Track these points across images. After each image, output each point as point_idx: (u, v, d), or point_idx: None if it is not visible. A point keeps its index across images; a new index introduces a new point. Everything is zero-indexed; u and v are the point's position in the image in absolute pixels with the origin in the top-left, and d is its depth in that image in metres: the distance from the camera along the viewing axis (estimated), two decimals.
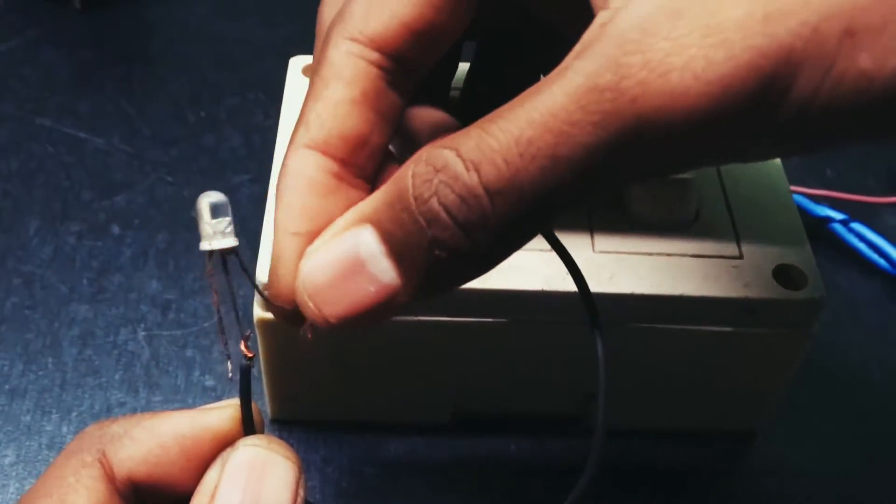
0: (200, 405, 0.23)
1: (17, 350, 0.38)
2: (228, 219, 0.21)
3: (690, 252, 0.32)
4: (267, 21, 0.53)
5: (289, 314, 0.22)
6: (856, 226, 0.43)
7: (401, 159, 0.23)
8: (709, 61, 0.17)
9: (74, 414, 0.36)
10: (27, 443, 0.35)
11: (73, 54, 0.51)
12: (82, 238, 0.42)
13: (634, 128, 0.17)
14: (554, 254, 0.24)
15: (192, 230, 0.42)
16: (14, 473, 0.34)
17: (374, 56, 0.22)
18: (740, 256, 0.32)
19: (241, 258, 0.22)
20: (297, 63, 0.37)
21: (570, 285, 0.24)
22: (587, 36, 0.18)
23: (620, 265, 0.31)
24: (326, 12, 0.24)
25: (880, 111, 0.17)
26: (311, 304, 0.21)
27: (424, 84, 0.24)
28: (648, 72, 0.17)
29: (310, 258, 0.21)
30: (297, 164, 0.22)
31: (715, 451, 0.36)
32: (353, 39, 0.22)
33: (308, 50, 0.26)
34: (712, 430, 0.36)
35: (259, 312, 0.31)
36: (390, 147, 0.24)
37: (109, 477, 0.21)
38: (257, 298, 0.32)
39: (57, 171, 0.45)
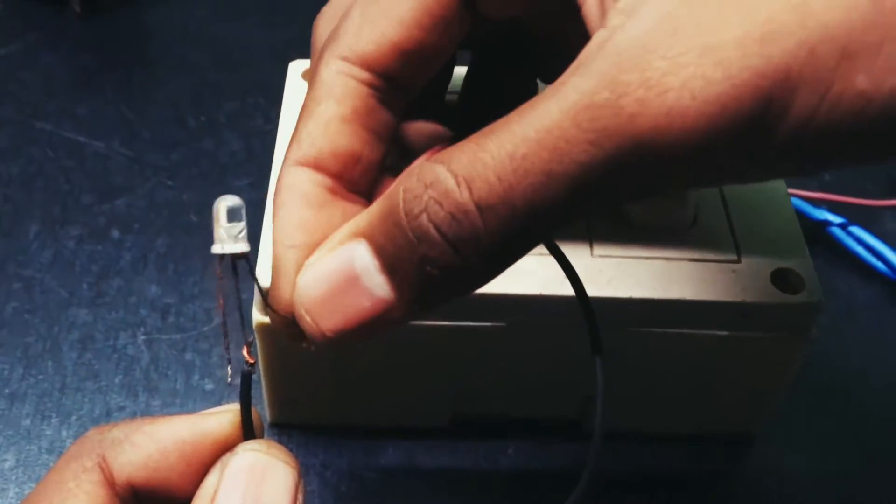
0: (200, 409, 0.23)
1: (16, 354, 0.38)
2: (243, 224, 0.21)
3: (688, 256, 0.32)
4: (267, 24, 0.53)
5: (291, 329, 0.22)
6: (854, 229, 0.43)
7: (396, 172, 0.23)
8: (706, 81, 0.17)
9: (74, 418, 0.36)
10: (27, 447, 0.35)
11: (72, 58, 0.51)
12: (82, 242, 0.42)
13: (631, 146, 0.17)
14: (552, 258, 0.24)
15: (192, 234, 0.42)
16: (14, 477, 0.34)
17: (365, 75, 0.23)
18: (738, 261, 0.32)
19: (251, 264, 0.22)
20: (297, 67, 0.37)
21: (568, 289, 0.24)
22: (584, 53, 0.18)
23: (619, 269, 0.31)
24: (321, 30, 0.25)
25: (878, 132, 0.17)
26: (308, 318, 0.21)
27: (419, 95, 0.24)
28: (646, 90, 0.17)
29: (306, 272, 0.21)
30: (291, 180, 0.22)
31: (714, 455, 0.36)
32: (344, 59, 0.22)
33: (308, 54, 0.26)
34: (711, 433, 0.36)
35: (258, 317, 0.31)
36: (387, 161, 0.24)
37: (109, 482, 0.21)
38: (257, 302, 0.32)
39: (57, 175, 0.45)
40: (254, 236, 0.31)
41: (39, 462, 0.35)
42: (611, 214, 0.33)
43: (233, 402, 0.23)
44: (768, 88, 0.17)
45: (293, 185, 0.22)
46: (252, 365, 0.22)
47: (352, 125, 0.23)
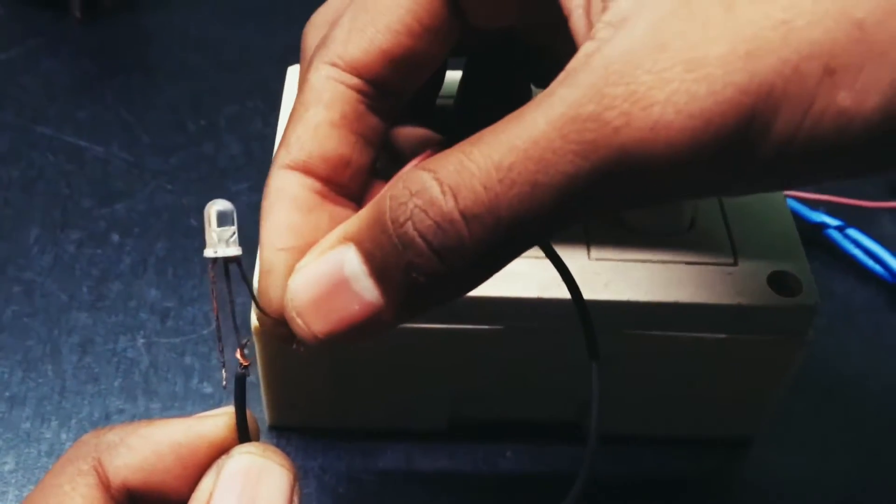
0: (199, 412, 0.23)
1: (16, 357, 0.38)
2: (234, 228, 0.21)
3: (685, 259, 0.32)
4: (266, 29, 0.53)
5: (281, 330, 0.22)
6: (851, 232, 0.43)
7: (387, 177, 0.23)
8: (691, 96, 0.17)
9: (74, 421, 0.36)
10: (26, 450, 0.35)
11: (73, 63, 0.51)
12: (82, 246, 0.42)
13: (616, 159, 0.18)
14: (549, 261, 0.24)
15: (192, 238, 0.43)
16: (13, 480, 0.34)
17: (354, 81, 0.23)
18: (735, 263, 0.32)
19: (243, 267, 0.22)
20: (295, 71, 0.37)
21: (565, 292, 0.24)
22: (572, 64, 0.18)
23: (616, 272, 0.31)
24: (310, 38, 0.25)
25: (860, 149, 0.17)
26: (299, 321, 0.21)
27: (411, 100, 0.24)
28: (631, 104, 0.17)
29: (297, 275, 0.21)
30: (280, 184, 0.23)
31: (711, 458, 0.36)
32: (333, 64, 0.23)
33: None
34: (708, 436, 0.36)
35: (257, 321, 0.32)
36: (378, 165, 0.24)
37: (105, 484, 0.21)
38: (255, 306, 0.32)
39: (57, 179, 0.45)
40: (252, 240, 0.32)
41: (39, 465, 0.35)
42: (607, 218, 0.33)
43: (230, 405, 0.23)
44: (751, 105, 0.17)
45: (282, 188, 0.23)
46: (246, 367, 0.22)
47: (340, 130, 0.23)
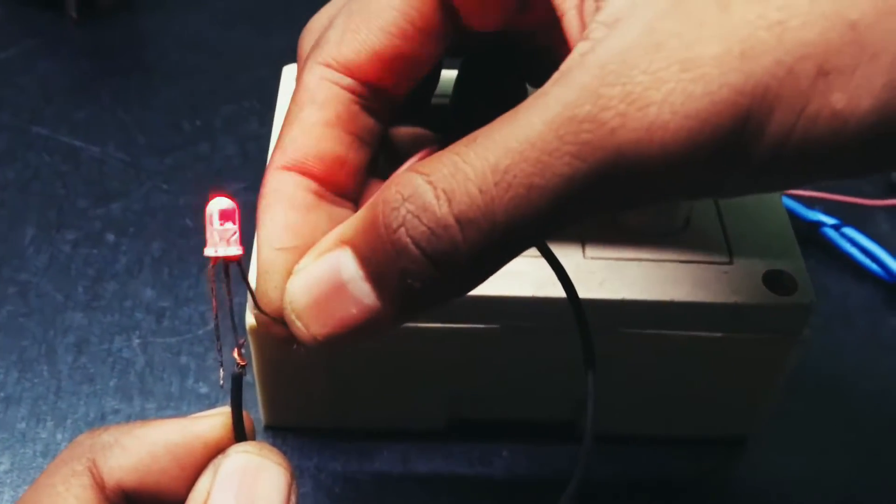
0: (194, 412, 0.23)
1: (12, 358, 0.38)
2: (235, 227, 0.21)
3: (681, 258, 0.32)
4: (262, 30, 0.53)
5: (279, 330, 0.22)
6: (847, 230, 0.43)
7: (386, 177, 0.23)
8: (686, 96, 0.17)
9: (69, 421, 0.36)
10: (22, 450, 0.35)
11: (69, 64, 0.51)
12: (78, 246, 0.42)
13: (612, 160, 0.18)
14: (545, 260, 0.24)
15: (188, 238, 0.42)
16: (8, 481, 0.34)
17: (347, 81, 0.23)
18: (730, 262, 0.32)
19: (243, 267, 0.22)
20: (291, 71, 0.37)
21: (561, 291, 0.24)
22: (566, 64, 0.18)
23: (611, 271, 0.31)
24: (306, 43, 0.25)
25: (854, 150, 0.17)
26: (298, 323, 0.21)
27: (407, 99, 0.24)
28: (628, 105, 0.17)
29: (296, 277, 0.21)
30: (277, 184, 0.23)
31: (707, 458, 0.36)
32: (327, 65, 0.23)
33: None
34: (704, 436, 0.36)
35: (252, 320, 0.32)
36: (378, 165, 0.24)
37: (99, 485, 0.21)
38: (251, 306, 0.32)
39: (53, 179, 0.45)
40: (249, 239, 0.32)
41: (34, 465, 0.35)
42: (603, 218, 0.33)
43: (227, 405, 0.23)
44: (747, 105, 0.17)
45: (279, 188, 0.23)
46: (243, 367, 0.22)
47: (335, 130, 0.23)
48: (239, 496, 0.21)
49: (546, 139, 0.18)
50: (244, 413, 0.23)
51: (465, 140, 0.19)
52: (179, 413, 0.36)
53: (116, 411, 0.36)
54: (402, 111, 0.25)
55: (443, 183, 0.18)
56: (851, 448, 0.37)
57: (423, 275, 0.19)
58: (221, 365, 0.23)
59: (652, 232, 0.32)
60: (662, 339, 0.32)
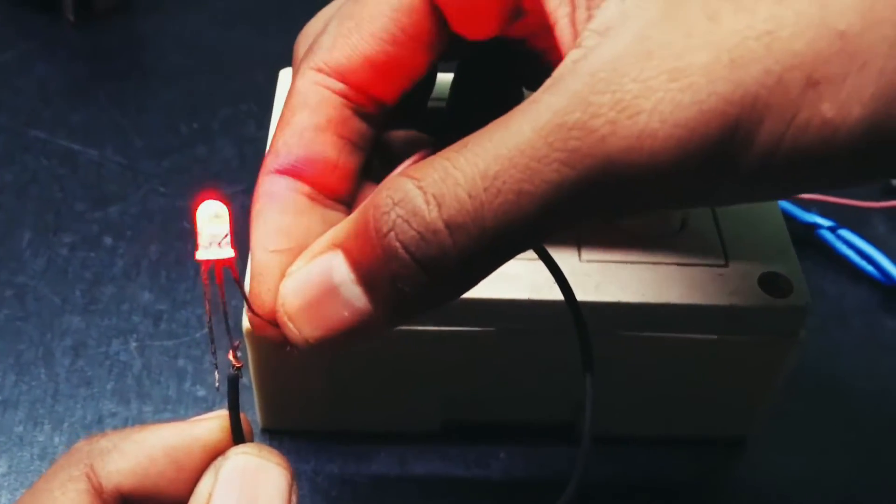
0: (192, 415, 0.23)
1: (9, 361, 0.38)
2: (227, 230, 0.21)
3: (676, 260, 0.32)
4: (259, 33, 0.53)
5: (273, 333, 0.22)
6: (844, 232, 0.43)
7: (379, 180, 0.23)
8: (676, 105, 0.17)
9: (66, 425, 0.36)
10: (19, 453, 0.35)
11: (66, 67, 0.51)
12: (75, 249, 0.42)
13: (602, 167, 0.18)
14: (541, 262, 0.24)
15: (185, 241, 0.43)
16: (6, 484, 0.34)
17: (339, 86, 0.23)
18: (726, 265, 0.32)
19: (236, 270, 0.22)
20: (287, 75, 0.37)
21: (557, 294, 0.24)
22: (558, 71, 0.18)
23: (607, 274, 0.31)
24: (301, 49, 0.25)
25: (843, 160, 0.17)
26: (290, 326, 0.21)
27: (402, 103, 0.24)
28: (618, 112, 0.17)
29: (288, 280, 0.22)
30: (270, 188, 0.23)
31: (705, 459, 0.37)
32: (319, 70, 0.23)
33: None
34: (702, 437, 0.37)
35: (249, 323, 0.32)
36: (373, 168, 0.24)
37: (97, 490, 0.21)
38: (246, 308, 0.32)
39: (50, 182, 0.45)
40: (246, 242, 0.32)
41: (31, 469, 0.35)
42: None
43: (225, 407, 0.23)
44: (735, 114, 0.17)
45: (272, 192, 0.23)
46: (239, 369, 0.22)
47: (326, 134, 0.23)
48: (240, 497, 0.21)
49: (536, 146, 0.18)
50: (242, 415, 0.23)
51: (456, 145, 0.19)
52: (177, 416, 0.36)
53: (114, 414, 0.36)
54: (398, 115, 0.25)
55: (433, 188, 0.19)
56: (850, 448, 0.37)
57: (413, 279, 0.19)
58: (217, 368, 0.23)
59: (648, 235, 0.32)
60: (658, 341, 0.32)
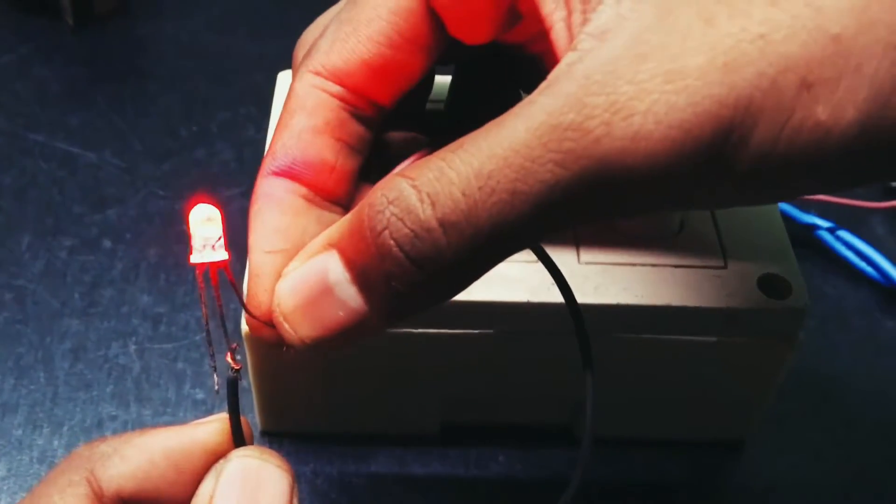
0: (191, 418, 0.23)
1: (8, 364, 0.38)
2: (220, 232, 0.21)
3: (675, 262, 0.32)
4: (257, 36, 0.53)
5: (269, 333, 0.22)
6: (843, 233, 0.43)
7: (375, 182, 0.23)
8: (670, 107, 0.17)
9: (66, 428, 0.36)
10: (18, 457, 0.35)
11: (65, 70, 0.51)
12: (74, 252, 0.42)
13: (596, 168, 0.18)
14: (539, 265, 0.24)
15: (184, 244, 0.42)
16: (5, 487, 0.34)
17: (336, 89, 0.23)
18: (724, 266, 0.32)
19: (231, 272, 0.22)
20: (286, 77, 0.37)
21: (555, 296, 0.24)
22: (554, 74, 0.19)
23: (605, 276, 0.31)
24: (300, 51, 0.25)
25: (838, 162, 0.18)
26: (286, 326, 0.21)
27: (400, 105, 0.24)
28: (612, 114, 0.17)
29: (284, 280, 0.22)
30: (267, 189, 0.23)
31: (704, 460, 0.37)
32: (316, 73, 0.23)
33: None
34: (701, 439, 0.37)
35: (246, 324, 0.32)
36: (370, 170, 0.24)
37: (97, 495, 0.21)
38: (244, 310, 0.32)
39: (49, 185, 0.45)
40: (245, 245, 0.32)
41: (31, 472, 0.35)
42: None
43: (224, 409, 0.23)
44: (729, 116, 0.17)
45: (269, 193, 0.23)
46: (237, 371, 0.22)
47: (323, 136, 0.23)
48: (242, 500, 0.21)
49: (530, 146, 0.18)
50: (242, 418, 0.23)
51: (451, 146, 0.19)
52: (176, 419, 0.36)
53: (113, 418, 0.36)
54: (397, 116, 0.25)
55: (427, 187, 0.19)
56: (849, 449, 0.37)
57: (408, 278, 0.19)
58: (215, 371, 0.23)
59: (646, 236, 0.32)
60: (657, 343, 0.32)
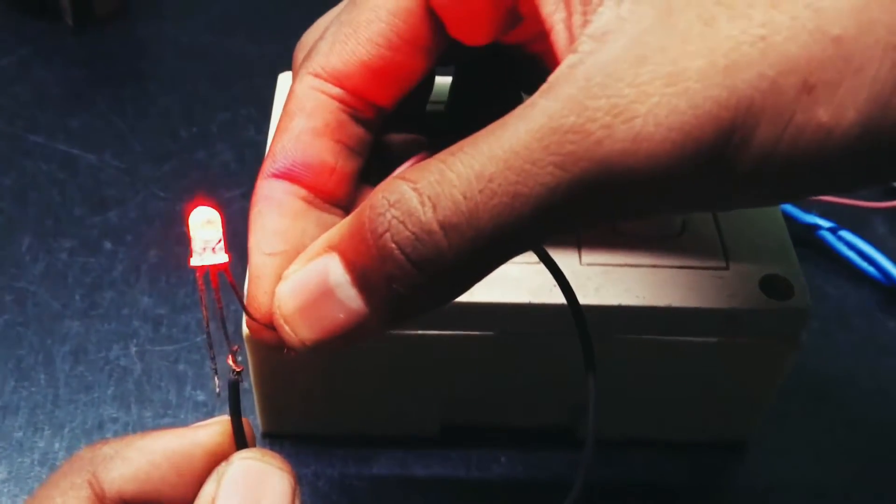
0: (192, 420, 0.24)
1: (9, 366, 0.38)
2: (219, 235, 0.21)
3: (677, 263, 0.32)
4: (257, 37, 0.53)
5: (270, 335, 0.22)
6: (844, 233, 0.43)
7: (376, 184, 0.23)
8: (671, 109, 0.17)
9: (67, 430, 0.36)
10: (19, 459, 0.35)
11: (65, 72, 0.51)
12: (74, 254, 0.42)
13: (597, 171, 0.18)
14: (540, 266, 0.24)
15: (185, 245, 0.42)
16: (6, 490, 0.34)
17: (336, 91, 0.23)
18: (726, 267, 0.32)
19: (231, 275, 0.22)
20: (286, 79, 0.37)
21: (556, 297, 0.24)
22: (554, 76, 0.19)
23: (607, 277, 0.31)
24: (300, 53, 0.25)
25: (839, 163, 0.18)
26: (286, 328, 0.21)
27: (400, 106, 0.24)
28: (613, 117, 0.17)
29: (284, 282, 0.22)
30: (267, 191, 0.23)
31: (705, 461, 0.37)
32: (316, 75, 0.23)
33: None
34: (702, 440, 0.36)
35: (247, 327, 0.32)
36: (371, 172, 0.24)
37: (99, 497, 0.21)
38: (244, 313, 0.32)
39: (49, 187, 0.45)
40: (245, 246, 0.32)
41: (32, 475, 0.35)
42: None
43: (225, 412, 0.23)
44: (730, 119, 0.17)
45: (269, 195, 0.23)
46: (239, 373, 0.22)
47: (323, 138, 0.23)
48: (244, 502, 0.21)
49: (531, 148, 0.18)
50: (244, 420, 0.23)
51: (452, 148, 0.19)
52: (177, 421, 0.36)
53: (114, 419, 0.36)
54: (397, 118, 0.25)
55: (428, 189, 0.19)
56: (850, 450, 0.37)
57: (409, 280, 0.19)
58: (216, 373, 0.23)
59: (648, 237, 0.32)
60: (659, 344, 0.32)
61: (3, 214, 0.44)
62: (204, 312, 0.22)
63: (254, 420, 0.36)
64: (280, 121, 0.24)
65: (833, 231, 0.43)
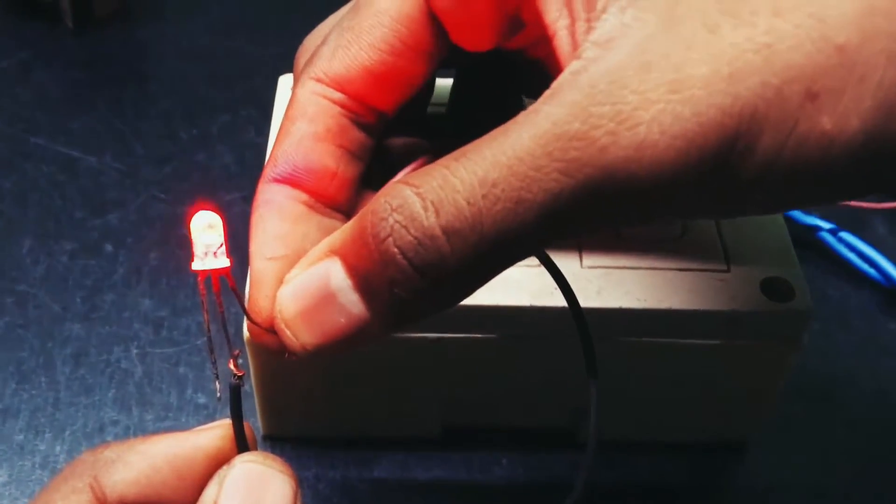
0: (193, 423, 0.24)
1: (9, 369, 0.38)
2: (221, 239, 0.21)
3: (678, 266, 0.32)
4: (257, 39, 0.53)
5: (271, 340, 0.22)
6: (845, 235, 0.43)
7: (378, 189, 0.23)
8: (675, 117, 0.17)
9: (67, 433, 0.36)
10: (20, 462, 0.35)
11: (65, 74, 0.51)
12: (75, 257, 0.42)
13: (600, 177, 0.18)
14: (541, 269, 0.24)
15: (185, 248, 0.42)
16: (7, 493, 0.34)
17: (337, 96, 0.23)
18: (727, 270, 0.32)
19: (232, 279, 0.22)
20: (287, 81, 0.37)
21: (557, 300, 0.24)
22: (558, 82, 0.19)
23: (608, 280, 0.31)
24: (302, 58, 0.25)
25: (843, 172, 0.18)
26: (287, 332, 0.21)
27: (401, 110, 0.24)
28: (617, 123, 0.17)
29: (286, 287, 0.22)
30: (269, 196, 0.23)
31: (707, 463, 0.37)
32: (318, 80, 0.23)
33: None
34: (703, 442, 0.36)
35: (248, 331, 0.32)
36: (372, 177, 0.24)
37: (101, 501, 0.21)
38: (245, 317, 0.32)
39: (50, 189, 0.45)
40: (246, 249, 0.32)
41: (33, 478, 0.35)
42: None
43: (226, 415, 0.23)
44: (734, 126, 0.17)
45: (271, 200, 0.23)
46: (240, 377, 0.22)
47: (324, 143, 0.23)
48: None
49: (535, 154, 0.18)
50: (245, 424, 0.23)
51: (455, 153, 0.19)
52: (178, 424, 0.36)
53: (115, 422, 0.36)
54: (398, 122, 0.25)
55: (431, 194, 0.19)
56: (851, 451, 0.37)
57: (411, 285, 0.19)
58: (217, 377, 0.23)
59: (649, 240, 0.32)
60: (660, 346, 0.32)
61: (3, 217, 0.44)
62: (205, 316, 0.22)
63: (254, 422, 0.36)
64: (281, 125, 0.24)
65: (833, 232, 0.43)
